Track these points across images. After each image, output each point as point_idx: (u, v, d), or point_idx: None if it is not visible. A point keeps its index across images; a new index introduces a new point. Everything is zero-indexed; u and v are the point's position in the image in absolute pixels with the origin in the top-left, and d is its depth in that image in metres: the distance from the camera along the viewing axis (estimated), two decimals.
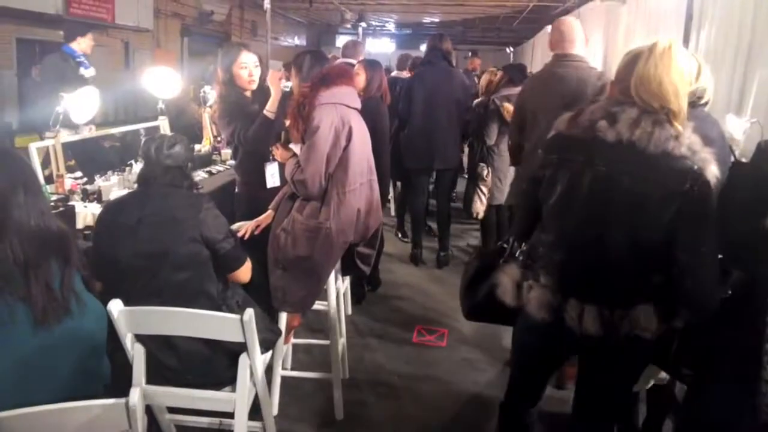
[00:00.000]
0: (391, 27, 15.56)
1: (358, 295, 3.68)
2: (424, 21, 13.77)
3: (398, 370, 2.95)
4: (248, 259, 2.11)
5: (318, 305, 2.52)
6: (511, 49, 14.86)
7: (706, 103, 1.93)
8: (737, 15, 3.62)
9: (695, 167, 1.38)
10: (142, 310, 1.87)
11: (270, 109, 2.70)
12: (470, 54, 9.49)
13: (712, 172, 1.41)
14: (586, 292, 1.52)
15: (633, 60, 1.49)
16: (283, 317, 2.44)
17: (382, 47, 16.35)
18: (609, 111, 1.47)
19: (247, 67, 2.80)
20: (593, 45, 7.29)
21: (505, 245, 1.86)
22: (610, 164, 1.44)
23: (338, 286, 2.60)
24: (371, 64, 3.66)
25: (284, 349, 2.60)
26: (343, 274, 2.69)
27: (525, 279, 1.64)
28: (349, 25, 12.00)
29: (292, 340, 2.73)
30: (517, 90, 3.92)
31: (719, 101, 3.55)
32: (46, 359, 1.50)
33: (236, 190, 2.99)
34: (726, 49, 3.69)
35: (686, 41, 4.22)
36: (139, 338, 1.93)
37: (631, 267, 1.48)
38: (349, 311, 3.49)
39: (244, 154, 2.83)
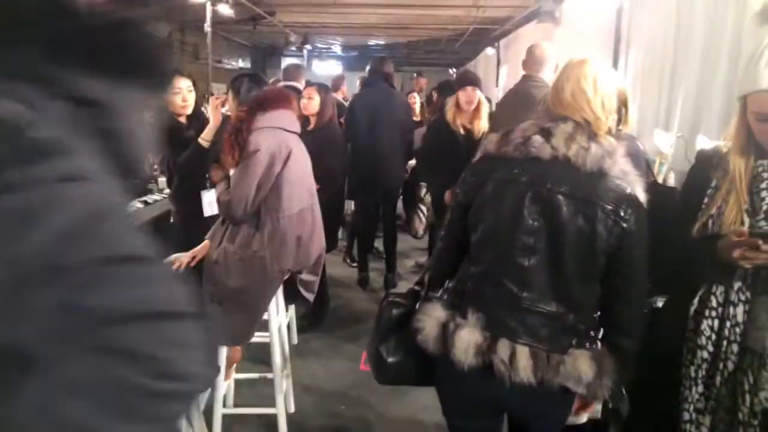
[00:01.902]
0: (337, 49, 15.64)
1: (313, 320, 3.59)
2: (370, 43, 13.92)
3: (346, 398, 2.88)
4: None
5: (261, 337, 2.43)
6: (454, 69, 15.20)
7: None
8: (661, 38, 3.81)
9: (628, 189, 1.34)
10: None
11: (205, 137, 2.63)
12: (416, 75, 9.64)
13: (641, 192, 1.38)
14: (515, 329, 1.36)
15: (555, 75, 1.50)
16: (224, 352, 2.34)
17: (328, 69, 16.40)
18: (543, 127, 1.40)
19: (181, 92, 2.75)
20: None
21: (417, 287, 1.67)
22: (545, 183, 1.36)
23: (281, 317, 2.52)
24: (324, 87, 3.63)
25: (225, 385, 2.49)
26: (286, 304, 2.61)
27: (452, 320, 1.42)
28: (293, 48, 11.95)
29: (234, 375, 2.62)
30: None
31: (648, 118, 3.71)
32: None
33: (171, 220, 2.88)
34: (652, 70, 3.88)
35: (615, 62, 4.41)
36: None
37: (564, 298, 1.36)
38: (295, 341, 3.39)
39: (179, 181, 2.73)
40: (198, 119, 2.84)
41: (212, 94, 3.80)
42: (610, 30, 4.61)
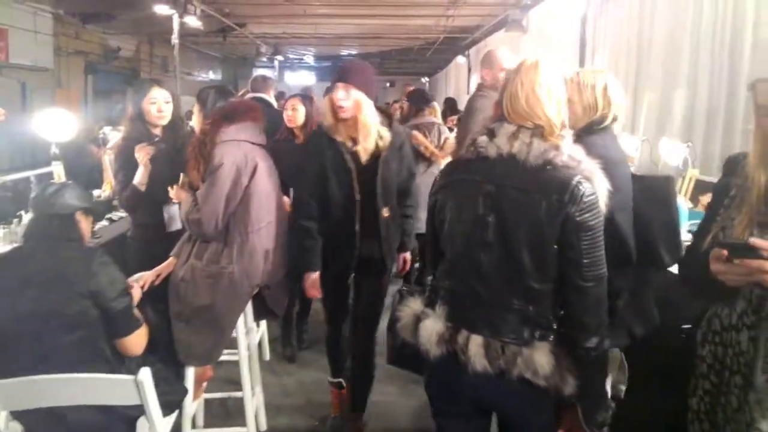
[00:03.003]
0: (309, 59, 15.64)
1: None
2: (342, 53, 13.95)
3: (319, 414, 2.83)
4: (142, 329, 1.91)
5: (231, 355, 2.37)
6: (427, 78, 15.31)
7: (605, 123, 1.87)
8: (624, 44, 3.89)
9: (576, 178, 1.36)
10: (18, 382, 1.67)
11: (140, 181, 2.59)
12: (388, 85, 9.67)
13: (600, 181, 1.39)
14: (475, 321, 1.43)
15: (506, 79, 1.49)
16: (191, 371, 2.27)
17: (300, 80, 16.38)
18: (488, 128, 1.47)
19: (157, 102, 2.69)
20: None
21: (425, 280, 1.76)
22: (494, 180, 1.41)
23: (250, 333, 2.46)
24: (308, 98, 3.44)
25: (195, 405, 2.42)
26: (256, 319, 2.55)
27: (423, 311, 1.53)
28: (265, 59, 11.92)
29: (204, 395, 2.55)
30: (426, 119, 3.98)
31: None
32: None
33: (129, 233, 2.78)
34: (616, 75, 3.93)
35: (582, 65, 4.48)
36: (17, 415, 1.72)
37: (520, 290, 1.40)
38: (267, 357, 3.33)
39: (130, 193, 2.63)
40: (173, 131, 2.77)
41: (190, 111, 3.72)
42: (576, 37, 4.69)
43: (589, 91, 1.79)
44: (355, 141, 2.31)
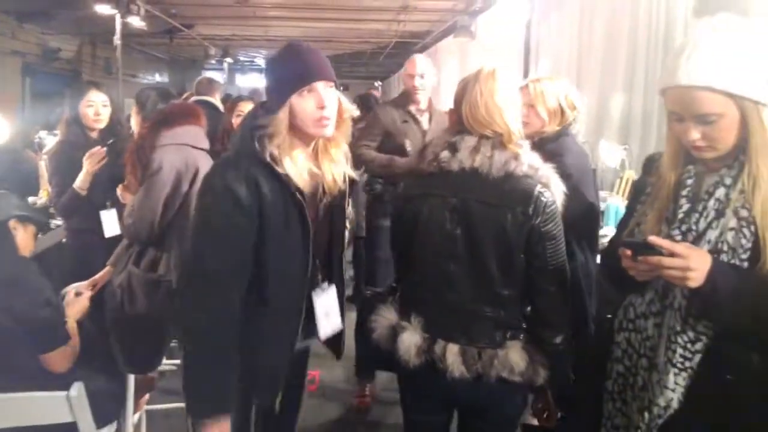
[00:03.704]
0: (260, 62, 15.44)
1: None
2: None
3: None
4: (68, 345, 1.84)
5: (174, 365, 2.30)
6: (380, 82, 15.37)
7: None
8: (566, 49, 4.01)
9: (538, 187, 1.41)
10: None
11: (81, 185, 2.54)
12: (342, 89, 9.63)
13: (557, 186, 1.45)
14: (450, 330, 1.49)
15: (463, 87, 1.51)
16: (131, 381, 2.19)
17: (251, 82, 16.14)
18: (449, 141, 1.49)
19: (94, 105, 2.67)
20: (449, 78, 7.74)
21: (395, 284, 1.77)
22: (457, 194, 1.45)
23: None
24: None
25: (137, 417, 2.33)
26: None
27: (399, 322, 1.56)
28: (214, 61, 11.69)
29: (146, 407, 2.46)
30: None
31: None
32: None
33: (64, 240, 2.69)
34: (559, 77, 4.07)
35: (526, 73, 4.59)
36: None
37: (490, 297, 1.46)
38: None
39: (68, 198, 2.57)
40: (111, 135, 2.71)
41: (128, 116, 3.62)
42: (521, 43, 4.81)
43: (552, 97, 1.95)
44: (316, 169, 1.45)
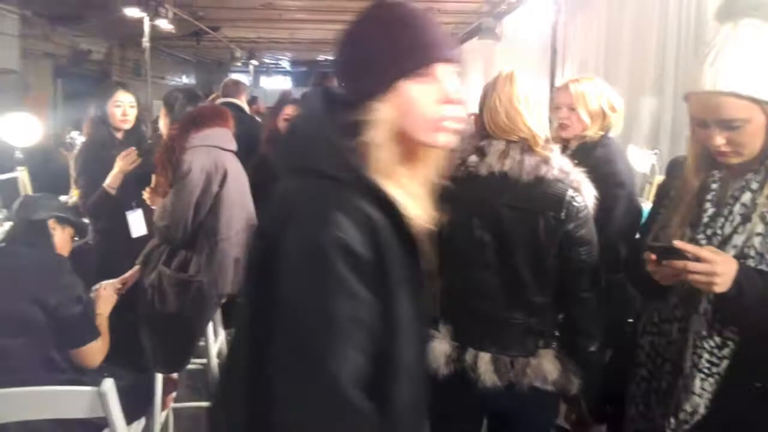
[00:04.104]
0: (285, 64, 15.57)
1: None
2: (319, 59, 13.93)
3: None
4: (99, 340, 1.89)
5: (200, 364, 2.34)
6: None
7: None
8: (593, 51, 3.97)
9: (569, 192, 1.38)
10: None
11: (112, 184, 2.56)
12: None
13: (588, 191, 1.43)
14: (480, 339, 1.47)
15: (484, 94, 1.50)
16: (159, 379, 2.23)
17: (277, 85, 16.28)
18: (477, 146, 1.47)
19: (122, 105, 2.70)
20: (473, 81, 7.70)
21: None
22: (487, 199, 1.43)
23: (219, 342, 2.43)
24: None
25: (163, 415, 2.37)
26: (225, 327, 2.52)
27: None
28: (239, 63, 11.82)
29: (173, 405, 2.50)
30: None
31: None
32: None
33: (90, 241, 2.72)
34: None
35: (552, 75, 4.55)
36: None
37: (522, 304, 1.44)
38: None
39: (96, 198, 2.60)
40: (135, 136, 2.76)
41: (155, 118, 3.68)
42: (547, 44, 4.77)
43: (594, 99, 1.85)
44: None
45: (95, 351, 1.88)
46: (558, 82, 4.51)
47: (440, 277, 1.55)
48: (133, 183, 2.57)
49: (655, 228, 1.33)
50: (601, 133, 1.88)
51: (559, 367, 1.43)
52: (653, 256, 1.13)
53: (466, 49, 8.42)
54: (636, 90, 3.40)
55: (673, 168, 1.39)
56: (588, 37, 4.16)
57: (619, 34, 3.71)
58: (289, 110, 2.86)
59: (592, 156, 1.66)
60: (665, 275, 1.14)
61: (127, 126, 2.74)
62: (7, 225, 3.19)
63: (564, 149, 1.78)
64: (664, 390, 1.26)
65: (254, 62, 12.05)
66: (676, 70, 3.09)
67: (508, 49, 6.12)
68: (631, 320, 1.56)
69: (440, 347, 1.48)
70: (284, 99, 2.91)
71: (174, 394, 2.46)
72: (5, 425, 1.67)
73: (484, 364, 1.43)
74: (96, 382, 1.72)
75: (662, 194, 1.39)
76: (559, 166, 1.42)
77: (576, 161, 1.53)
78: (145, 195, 2.42)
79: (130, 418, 1.88)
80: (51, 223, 1.96)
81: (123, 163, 2.56)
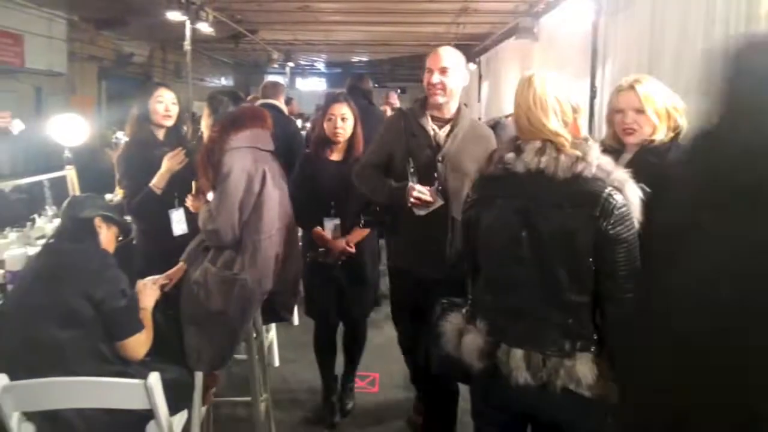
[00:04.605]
0: (320, 66, 15.72)
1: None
2: (353, 60, 14.02)
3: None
4: (143, 334, 1.95)
5: (240, 360, 2.38)
6: None
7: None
8: (635, 50, 3.87)
9: (607, 190, 1.36)
10: (29, 384, 1.69)
11: (157, 184, 2.60)
12: (399, 91, 9.69)
13: (632, 192, 1.39)
14: (515, 334, 1.45)
15: (514, 96, 1.52)
16: (200, 375, 2.28)
17: (312, 86, 16.46)
18: (515, 144, 1.49)
19: (164, 102, 2.73)
20: (510, 81, 7.63)
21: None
22: (524, 196, 1.43)
23: (260, 339, 2.47)
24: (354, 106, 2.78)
25: (204, 409, 2.42)
26: (264, 323, 2.56)
27: (465, 326, 1.56)
28: (276, 65, 11.99)
29: (213, 399, 2.56)
30: None
31: None
32: None
33: (134, 240, 2.75)
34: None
35: (593, 75, 4.46)
36: (28, 415, 1.75)
37: (558, 303, 1.41)
38: (276, 363, 3.33)
39: (141, 198, 2.63)
40: (177, 134, 2.80)
41: (193, 113, 3.76)
42: (587, 44, 4.68)
43: (660, 100, 1.77)
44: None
45: (139, 344, 1.94)
46: (599, 83, 4.42)
47: (480, 274, 1.57)
48: (176, 182, 2.62)
49: None
50: (672, 134, 1.77)
51: (596, 372, 1.38)
52: None
53: (502, 49, 8.34)
54: (681, 92, 3.30)
55: None
56: (630, 37, 4.06)
57: (663, 34, 3.61)
58: (335, 110, 2.69)
59: (665, 160, 1.58)
60: None
61: (169, 123, 2.76)
62: (57, 222, 3.34)
63: (615, 152, 1.70)
64: None
65: (290, 64, 12.19)
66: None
67: (547, 49, 6.03)
68: None
69: (474, 341, 1.49)
70: (331, 99, 2.87)
71: (214, 389, 2.51)
72: (61, 411, 1.74)
73: (516, 361, 1.42)
74: (140, 375, 1.79)
75: None
76: (598, 164, 1.40)
77: (645, 166, 1.50)
78: (188, 202, 2.47)
79: (172, 410, 1.93)
80: (97, 221, 2.03)
81: (171, 162, 2.59)
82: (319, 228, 2.67)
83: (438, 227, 2.20)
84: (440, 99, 2.21)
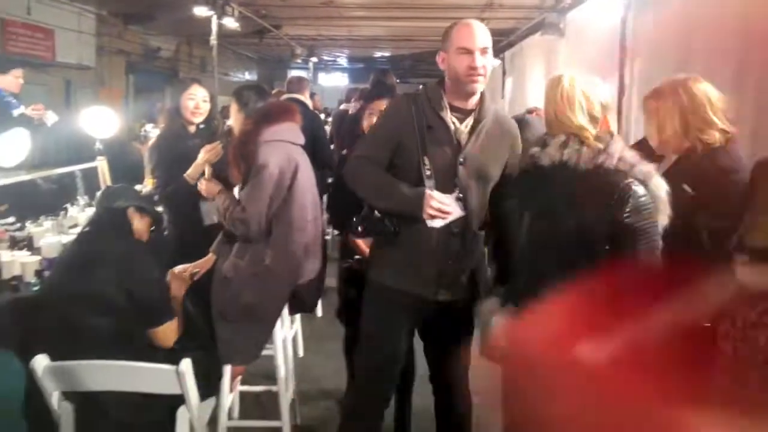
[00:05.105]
0: (343, 61, 15.75)
1: None
2: (375, 55, 14.01)
3: None
4: (173, 322, 1.99)
5: (267, 350, 2.41)
6: None
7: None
8: (665, 45, 3.81)
9: (626, 181, 1.40)
10: (70, 365, 1.75)
11: (192, 174, 2.64)
12: (420, 87, 9.65)
13: (658, 186, 1.42)
14: None
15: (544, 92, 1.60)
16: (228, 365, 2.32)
17: (334, 81, 16.50)
18: (542, 138, 1.56)
19: (195, 99, 2.79)
20: (535, 78, 7.55)
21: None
22: (547, 188, 1.49)
23: (285, 329, 2.50)
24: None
25: (231, 397, 2.47)
26: (290, 314, 2.59)
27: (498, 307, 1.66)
28: (299, 60, 12.05)
29: (239, 387, 2.60)
30: None
31: None
32: None
33: (165, 231, 2.80)
34: (657, 76, 3.85)
35: (621, 70, 4.40)
36: (66, 395, 1.80)
37: None
38: (301, 353, 3.37)
39: (173, 189, 2.69)
40: (208, 130, 2.85)
41: (222, 107, 3.81)
42: (615, 40, 4.61)
43: (707, 101, 1.69)
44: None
45: (170, 331, 1.98)
46: (627, 81, 4.36)
47: (509, 259, 1.66)
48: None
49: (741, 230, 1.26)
50: (726, 137, 1.68)
51: None
52: None
53: (527, 45, 8.27)
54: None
55: (761, 169, 1.31)
56: (660, 33, 4.00)
57: (696, 31, 3.55)
58: (380, 105, 2.49)
59: (716, 165, 1.57)
60: None
61: (199, 119, 2.82)
62: (89, 211, 3.42)
63: (652, 155, 1.64)
64: None
65: (314, 59, 12.24)
66: (761, 67, 2.92)
67: (573, 45, 5.96)
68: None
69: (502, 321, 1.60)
70: (374, 93, 2.76)
71: (239, 378, 2.56)
72: (98, 393, 1.79)
73: None
74: (171, 361, 1.83)
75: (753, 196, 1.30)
76: (620, 156, 1.43)
77: (696, 171, 1.55)
78: (201, 185, 2.48)
79: (201, 397, 1.97)
80: (130, 211, 2.08)
81: (208, 155, 2.62)
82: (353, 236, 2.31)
83: (454, 243, 1.85)
84: (480, 87, 1.82)
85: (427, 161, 1.80)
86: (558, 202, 1.47)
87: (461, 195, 1.80)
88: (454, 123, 1.85)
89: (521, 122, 3.38)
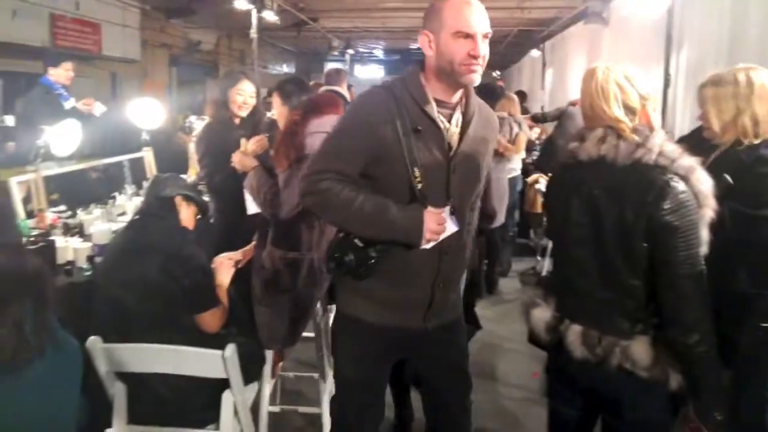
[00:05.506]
0: (379, 53, 15.76)
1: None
2: (411, 47, 13.97)
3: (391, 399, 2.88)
4: (218, 308, 2.04)
5: (307, 336, 2.46)
6: (498, 72, 15.05)
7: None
8: (714, 35, 3.69)
9: (665, 177, 1.36)
10: (121, 347, 1.83)
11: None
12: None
13: (701, 181, 1.39)
14: (576, 312, 1.52)
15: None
16: (270, 350, 2.38)
17: (370, 73, 16.53)
18: (580, 132, 1.53)
19: (244, 94, 2.87)
20: (577, 68, 7.40)
21: None
22: (585, 182, 1.47)
23: (325, 317, 2.55)
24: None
25: (272, 383, 2.53)
26: (329, 303, 2.63)
27: (536, 300, 1.65)
28: (336, 53, 12.12)
29: (280, 373, 2.67)
30: (497, 113, 3.95)
31: None
32: (13, 405, 1.44)
33: (211, 219, 2.84)
34: (705, 68, 3.74)
35: (667, 62, 4.28)
36: (119, 376, 1.89)
37: (615, 285, 1.45)
38: None
39: (220, 178, 2.75)
40: (251, 123, 2.91)
41: (265, 98, 3.88)
42: (661, 29, 4.48)
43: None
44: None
45: (215, 318, 2.04)
46: (672, 71, 4.24)
47: (551, 252, 1.62)
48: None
49: None
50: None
51: (652, 355, 1.40)
52: None
53: (569, 35, 8.10)
54: None
55: None
56: (708, 22, 3.87)
57: (746, 19, 3.42)
58: None
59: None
60: None
61: (244, 113, 2.89)
62: (136, 199, 3.54)
63: (700, 151, 1.57)
64: None
65: (350, 51, 12.28)
66: None
67: (617, 34, 5.81)
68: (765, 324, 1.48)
69: (541, 315, 1.58)
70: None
71: (281, 364, 2.62)
72: (148, 375, 1.87)
73: (573, 335, 1.48)
74: (216, 346, 1.89)
75: None
76: (660, 150, 1.40)
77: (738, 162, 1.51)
78: (234, 158, 2.47)
79: (244, 382, 2.02)
80: (178, 199, 2.14)
81: (255, 146, 2.63)
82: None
83: (445, 263, 1.59)
84: (478, 78, 1.53)
85: (417, 173, 1.49)
86: (596, 197, 1.45)
87: (453, 209, 1.56)
88: (442, 121, 1.55)
89: (563, 114, 3.33)
